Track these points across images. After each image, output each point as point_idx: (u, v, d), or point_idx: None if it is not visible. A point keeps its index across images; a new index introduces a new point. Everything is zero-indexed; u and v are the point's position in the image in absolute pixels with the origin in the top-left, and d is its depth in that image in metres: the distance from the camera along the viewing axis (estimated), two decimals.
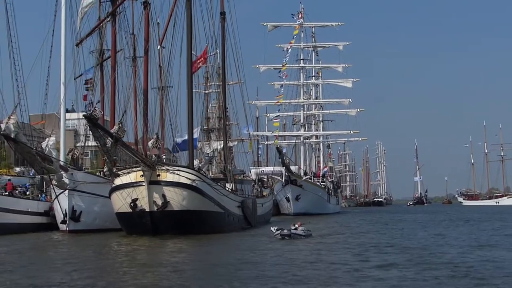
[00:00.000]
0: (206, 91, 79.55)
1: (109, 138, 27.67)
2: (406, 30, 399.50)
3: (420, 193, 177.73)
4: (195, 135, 48.34)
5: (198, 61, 46.51)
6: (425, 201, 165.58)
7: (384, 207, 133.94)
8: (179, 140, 45.65)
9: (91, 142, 50.14)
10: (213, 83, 79.54)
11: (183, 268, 18.31)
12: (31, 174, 55.69)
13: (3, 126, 28.73)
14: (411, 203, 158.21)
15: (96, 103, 34.29)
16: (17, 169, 59.66)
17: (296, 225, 30.55)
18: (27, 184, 43.59)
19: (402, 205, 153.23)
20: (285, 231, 29.26)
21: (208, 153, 66.22)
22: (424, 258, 20.54)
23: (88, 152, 66.57)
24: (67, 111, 74.01)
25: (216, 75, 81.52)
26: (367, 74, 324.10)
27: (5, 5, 40.83)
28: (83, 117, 27.13)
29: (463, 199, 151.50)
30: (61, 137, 42.58)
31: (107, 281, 16.03)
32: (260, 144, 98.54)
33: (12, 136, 28.74)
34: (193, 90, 73.35)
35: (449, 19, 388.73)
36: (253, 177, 67.24)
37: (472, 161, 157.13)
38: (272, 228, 30.56)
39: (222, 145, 73.04)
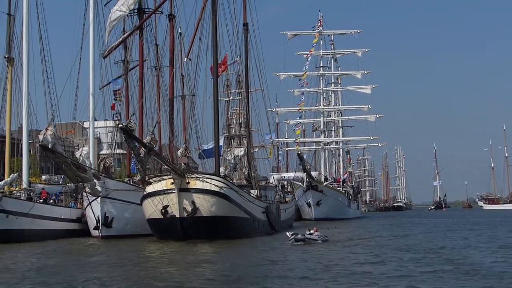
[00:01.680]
0: (227, 99, 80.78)
1: (143, 148, 29.08)
2: (421, 34, 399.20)
3: (439, 198, 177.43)
4: (220, 143, 49.74)
5: (219, 69, 47.96)
6: (444, 206, 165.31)
7: (404, 212, 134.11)
8: (204, 147, 47.14)
9: (115, 150, 51.98)
10: (233, 90, 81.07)
11: (212, 272, 19.45)
12: (60, 181, 57.56)
13: (41, 137, 30.19)
14: (432, 207, 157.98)
15: (132, 115, 35.64)
16: (43, 177, 61.48)
17: (312, 231, 31.03)
18: (57, 192, 45.10)
19: (423, 210, 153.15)
20: (299, 236, 29.81)
21: (229, 160, 67.66)
22: None
23: (112, 160, 68.14)
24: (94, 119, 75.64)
25: (236, 82, 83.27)
26: (386, 80, 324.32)
27: (37, 20, 42.32)
28: (120, 129, 28.51)
29: (484, 203, 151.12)
30: (90, 145, 44.16)
31: (144, 281, 17.38)
32: (280, 150, 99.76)
33: (49, 147, 30.19)
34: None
35: (465, 21, 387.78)
36: (274, 183, 68.42)
37: (492, 165, 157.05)
38: (287, 233, 31.14)
39: (243, 152, 74.44)
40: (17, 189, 40.59)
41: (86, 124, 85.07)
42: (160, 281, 17.31)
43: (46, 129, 30.65)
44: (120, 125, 28.25)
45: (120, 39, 48.72)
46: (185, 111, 56.70)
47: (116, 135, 51.66)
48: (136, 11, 43.00)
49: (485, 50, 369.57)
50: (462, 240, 33.25)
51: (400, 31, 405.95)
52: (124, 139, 29.70)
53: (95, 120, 70.97)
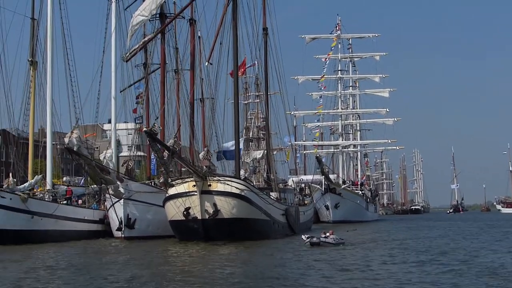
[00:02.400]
0: (245, 102, 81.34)
1: (166, 151, 29.71)
2: (441, 39, 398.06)
3: (457, 201, 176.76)
4: (240, 145, 50.24)
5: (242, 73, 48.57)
6: (461, 209, 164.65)
7: (422, 215, 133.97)
8: (224, 148, 47.69)
9: (136, 152, 52.69)
10: (251, 93, 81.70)
11: (234, 272, 19.95)
12: (81, 183, 58.41)
13: (66, 140, 30.93)
14: (451, 210, 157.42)
15: (156, 119, 36.30)
16: (64, 178, 62.32)
17: (328, 234, 31.10)
18: (79, 193, 45.73)
19: (441, 213, 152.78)
20: (315, 239, 29.91)
21: (247, 162, 68.14)
22: None
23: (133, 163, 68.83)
24: (108, 121, 76.91)
25: (254, 85, 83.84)
26: (404, 83, 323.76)
27: (61, 25, 43.07)
28: (144, 133, 29.13)
29: (502, 207, 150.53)
30: (112, 148, 44.97)
31: (171, 280, 17.96)
32: (298, 153, 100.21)
33: (74, 149, 30.90)
34: (232, 101, 75.96)
35: (483, 23, 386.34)
36: (292, 185, 68.84)
37: (510, 169, 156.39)
38: (303, 236, 31.28)
39: (261, 154, 74.97)
40: (40, 189, 41.30)
41: (105, 126, 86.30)
42: (186, 280, 17.86)
43: (72, 132, 31.40)
44: (144, 129, 28.89)
45: (141, 42, 49.54)
46: (204, 114, 57.38)
47: (136, 137, 52.42)
48: (158, 15, 43.62)
49: (504, 53, 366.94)
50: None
51: (418, 34, 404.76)
52: (148, 142, 30.32)
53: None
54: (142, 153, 74.59)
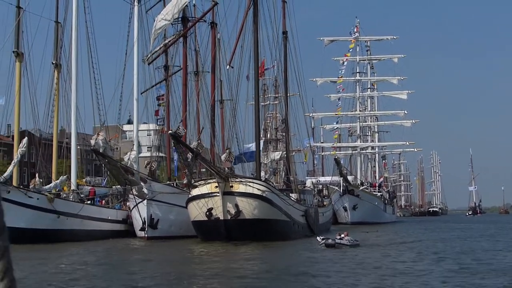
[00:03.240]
0: (263, 103, 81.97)
1: (190, 153, 30.44)
2: (459, 40, 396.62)
3: (475, 203, 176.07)
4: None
5: (261, 75, 49.29)
6: (478, 211, 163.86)
7: (440, 217, 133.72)
8: (244, 150, 48.39)
9: (157, 153, 53.52)
10: (270, 95, 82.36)
11: (257, 271, 20.36)
12: (103, 184, 59.32)
13: (93, 142, 31.70)
14: (470, 213, 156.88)
15: (180, 122, 37.02)
16: (85, 178, 63.31)
17: (342, 235, 31.28)
18: (102, 194, 46.56)
19: (459, 215, 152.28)
20: (330, 241, 29.86)
21: (266, 164, 68.75)
22: None
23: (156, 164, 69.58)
24: (128, 122, 77.84)
25: (273, 87, 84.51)
26: (422, 85, 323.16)
27: (86, 29, 43.96)
28: (169, 135, 29.87)
29: None
30: (135, 149, 45.76)
31: (195, 276, 18.67)
32: (316, 154, 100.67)
33: (101, 151, 31.68)
34: (252, 103, 76.76)
35: (499, 23, 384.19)
36: (310, 186, 69.35)
37: None
38: (318, 238, 31.48)
39: (279, 156, 75.62)
40: (64, 189, 42.14)
41: (125, 127, 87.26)
42: (210, 276, 18.57)
43: (98, 134, 32.16)
44: (169, 132, 29.62)
45: (162, 45, 50.43)
46: (223, 115, 58.10)
47: (157, 138, 53.23)
48: (180, 19, 44.42)
49: None
50: None
51: (436, 35, 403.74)
52: (173, 144, 31.06)
53: (131, 123, 73.29)
54: (161, 154, 75.46)
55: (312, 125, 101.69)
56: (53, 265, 22.84)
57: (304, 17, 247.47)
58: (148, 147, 71.70)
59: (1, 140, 63.30)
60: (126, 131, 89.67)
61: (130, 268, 21.76)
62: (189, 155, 30.70)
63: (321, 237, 31.15)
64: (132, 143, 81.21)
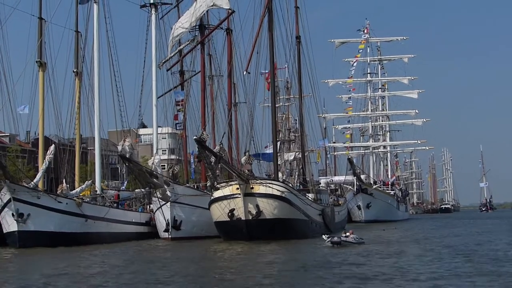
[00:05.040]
0: (276, 105, 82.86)
1: (213, 156, 31.92)
2: (467, 40, 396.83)
3: (486, 199, 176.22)
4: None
5: (268, 76, 50.75)
6: (489, 207, 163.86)
7: (452, 214, 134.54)
8: (261, 152, 49.91)
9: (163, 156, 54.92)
10: (282, 96, 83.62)
11: (280, 269, 21.66)
12: (123, 187, 60.85)
13: (119, 148, 33.24)
14: (483, 209, 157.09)
15: (204, 127, 38.48)
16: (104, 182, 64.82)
17: (348, 233, 32.00)
18: (125, 198, 47.88)
19: (471, 212, 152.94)
20: (335, 239, 30.39)
21: (279, 164, 70.01)
22: None
23: (164, 165, 71.12)
24: (143, 126, 79.41)
25: (284, 89, 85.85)
26: (432, 84, 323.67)
27: (107, 38, 45.42)
28: (194, 140, 31.36)
29: None
30: (153, 152, 47.28)
31: (229, 273, 20.13)
32: (329, 154, 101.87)
33: (127, 156, 33.18)
34: (264, 104, 78.15)
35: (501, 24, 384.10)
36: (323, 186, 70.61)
37: None
38: (324, 236, 32.10)
39: (293, 156, 76.92)
40: (86, 193, 43.55)
41: (140, 131, 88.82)
42: (239, 272, 20.04)
43: (124, 140, 33.69)
44: (194, 138, 31.16)
45: (176, 50, 52.03)
46: (236, 118, 59.52)
47: (173, 142, 54.67)
48: (197, 27, 45.91)
49: None
50: None
51: (445, 33, 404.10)
52: (197, 149, 32.57)
53: (145, 126, 74.97)
54: (176, 157, 76.79)
55: (324, 125, 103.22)
56: (93, 264, 24.35)
57: (314, 17, 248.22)
58: (163, 150, 73.16)
59: (21, 147, 64.86)
60: (141, 134, 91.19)
61: (161, 265, 23.31)
62: (212, 159, 32.17)
63: (327, 236, 31.85)
64: (147, 146, 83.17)
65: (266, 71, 52.49)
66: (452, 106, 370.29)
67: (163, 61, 51.02)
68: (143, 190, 42.63)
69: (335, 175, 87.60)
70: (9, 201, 34.06)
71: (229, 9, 44.32)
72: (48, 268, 23.24)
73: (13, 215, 34.05)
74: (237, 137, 54.15)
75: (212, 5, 43.04)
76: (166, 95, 53.21)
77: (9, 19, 43.13)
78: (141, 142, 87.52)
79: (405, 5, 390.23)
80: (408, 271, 20.08)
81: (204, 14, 45.58)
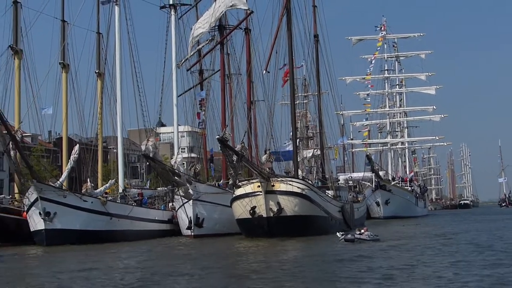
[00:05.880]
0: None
1: (235, 155, 32.65)
2: (483, 35, 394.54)
3: (505, 194, 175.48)
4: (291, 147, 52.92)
5: (286, 75, 51.35)
6: (508, 203, 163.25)
7: (471, 209, 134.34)
8: (280, 149, 50.59)
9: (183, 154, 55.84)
10: (299, 94, 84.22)
11: (301, 264, 22.09)
12: (147, 185, 61.88)
13: (143, 147, 34.04)
14: (504, 204, 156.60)
15: (226, 126, 39.23)
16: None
17: (362, 230, 32.08)
18: (145, 197, 48.76)
19: (490, 207, 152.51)
20: (349, 236, 30.63)
21: (298, 162, 70.58)
22: None
23: (184, 164, 72.07)
24: (162, 125, 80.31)
25: (302, 86, 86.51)
26: (449, 78, 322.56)
27: (128, 40, 46.30)
28: (217, 140, 32.15)
29: None
30: (175, 151, 48.16)
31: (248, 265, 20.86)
32: (346, 151, 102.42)
33: (151, 156, 33.98)
34: (282, 102, 78.69)
35: None
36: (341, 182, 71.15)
37: None
38: (338, 233, 32.36)
39: (311, 153, 77.50)
40: (109, 191, 44.45)
41: (158, 130, 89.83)
42: (265, 268, 20.71)
43: (148, 140, 34.49)
44: (217, 137, 31.96)
45: (195, 50, 52.87)
46: (255, 115, 60.22)
47: (190, 140, 55.38)
48: (217, 27, 46.69)
49: None
50: None
51: (461, 28, 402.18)
52: (220, 148, 33.35)
53: (164, 125, 75.97)
54: (194, 155, 77.73)
55: (342, 122, 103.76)
56: (124, 259, 25.18)
57: (327, 12, 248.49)
58: (181, 149, 74.11)
59: (45, 147, 65.94)
60: (160, 133, 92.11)
61: (189, 260, 24.22)
62: (235, 157, 32.91)
63: (341, 233, 32.16)
64: (166, 145, 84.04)
65: (281, 68, 53.22)
66: (470, 100, 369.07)
67: (182, 61, 51.90)
68: (165, 188, 43.39)
69: (352, 171, 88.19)
70: (36, 200, 34.95)
71: (248, 9, 45.02)
72: (82, 264, 24.09)
73: (40, 213, 34.93)
74: (256, 135, 54.86)
75: (231, 6, 43.71)
76: (185, 94, 54.25)
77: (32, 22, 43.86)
78: (160, 140, 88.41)
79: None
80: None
81: (223, 15, 46.30)
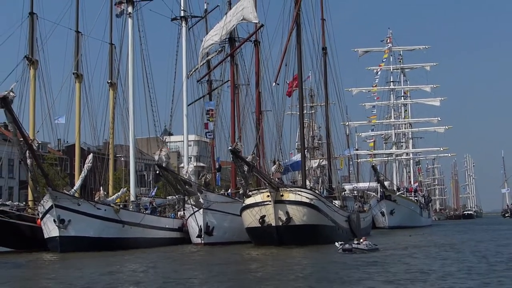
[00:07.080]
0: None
1: (246, 165, 33.62)
2: (487, 46, 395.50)
3: (507, 205, 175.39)
4: (299, 157, 53.83)
5: (292, 85, 52.35)
6: (510, 213, 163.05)
7: (475, 220, 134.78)
8: (288, 161, 51.52)
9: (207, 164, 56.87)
10: (306, 104, 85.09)
11: (309, 272, 22.87)
12: (153, 194, 62.70)
13: (156, 157, 34.97)
14: (507, 215, 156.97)
15: (238, 138, 40.20)
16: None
17: (361, 240, 32.54)
18: (147, 204, 49.53)
19: (494, 218, 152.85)
20: (347, 246, 30.87)
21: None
22: None
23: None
24: (169, 134, 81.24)
25: (308, 97, 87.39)
26: (454, 91, 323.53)
27: (141, 52, 47.27)
28: (229, 151, 33.13)
29: None
30: (184, 161, 49.08)
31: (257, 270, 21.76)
32: (351, 161, 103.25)
33: (164, 165, 34.92)
34: (288, 112, 79.66)
35: None
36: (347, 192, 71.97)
37: None
38: (336, 243, 32.46)
39: (317, 163, 78.19)
40: (118, 200, 45.33)
41: (166, 139, 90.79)
42: (274, 275, 21.60)
43: (160, 150, 35.41)
44: (229, 148, 32.97)
45: (205, 60, 54.04)
46: (262, 126, 61.06)
47: (197, 149, 56.23)
48: (227, 40, 47.75)
49: None
50: None
51: (465, 39, 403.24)
52: (231, 158, 34.34)
53: (171, 134, 76.94)
54: (201, 164, 78.81)
55: (347, 133, 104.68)
56: (139, 266, 26.09)
57: (338, 25, 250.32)
58: (188, 157, 75.05)
59: (56, 155, 66.89)
60: (167, 142, 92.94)
61: (201, 266, 25.07)
62: (245, 168, 33.87)
63: (339, 242, 32.34)
64: (173, 154, 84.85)
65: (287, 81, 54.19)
66: (474, 111, 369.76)
67: (192, 71, 53.01)
68: (175, 197, 44.27)
69: (357, 182, 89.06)
70: (51, 207, 35.67)
71: (258, 22, 46.04)
72: (100, 269, 24.98)
73: (54, 221, 35.68)
74: (263, 144, 55.72)
75: (242, 20, 44.74)
76: (194, 103, 55.31)
77: (48, 33, 44.90)
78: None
79: (426, 14, 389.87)
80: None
81: (235, 28, 47.33)
